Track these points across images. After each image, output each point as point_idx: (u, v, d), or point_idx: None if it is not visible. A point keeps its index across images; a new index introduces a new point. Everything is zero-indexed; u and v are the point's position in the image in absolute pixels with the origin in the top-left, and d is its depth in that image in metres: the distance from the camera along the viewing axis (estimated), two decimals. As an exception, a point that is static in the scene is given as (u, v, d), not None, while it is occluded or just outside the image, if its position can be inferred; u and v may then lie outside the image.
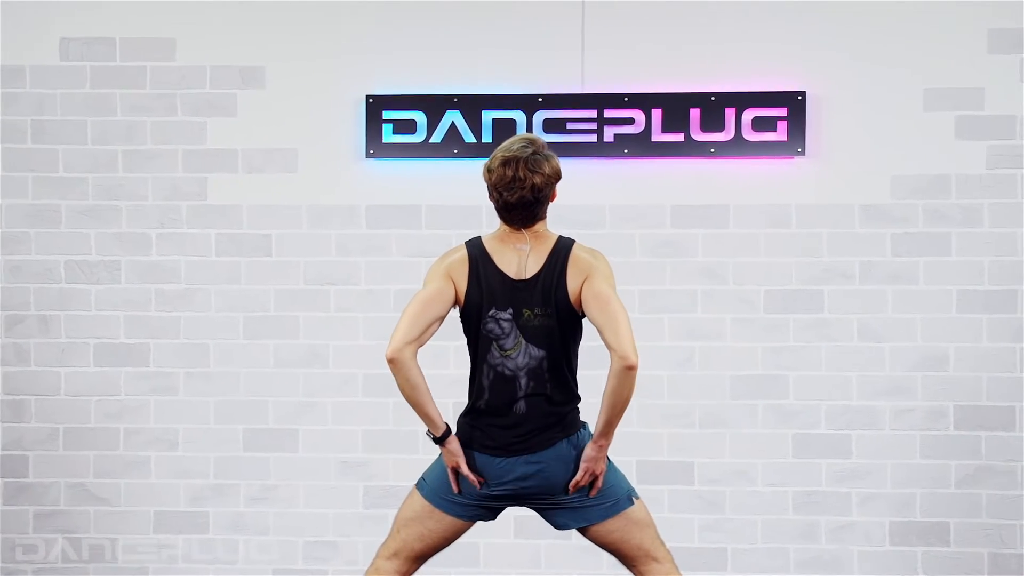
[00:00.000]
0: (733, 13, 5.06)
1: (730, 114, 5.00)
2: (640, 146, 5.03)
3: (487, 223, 4.95)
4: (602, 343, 3.22)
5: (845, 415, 5.04)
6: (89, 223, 5.19)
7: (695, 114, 5.01)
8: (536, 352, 3.31)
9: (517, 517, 4.86)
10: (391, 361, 3.23)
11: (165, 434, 5.18)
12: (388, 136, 5.07)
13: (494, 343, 3.32)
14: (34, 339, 5.19)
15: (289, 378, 5.16)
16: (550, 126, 5.03)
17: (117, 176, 5.18)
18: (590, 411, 3.38)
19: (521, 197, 3.28)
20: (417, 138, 5.08)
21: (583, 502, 3.37)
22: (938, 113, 5.01)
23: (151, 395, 5.18)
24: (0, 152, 5.19)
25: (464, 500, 3.39)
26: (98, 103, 5.17)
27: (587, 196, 5.05)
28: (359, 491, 5.15)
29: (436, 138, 5.07)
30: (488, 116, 5.05)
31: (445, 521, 3.41)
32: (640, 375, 3.25)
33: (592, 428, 3.34)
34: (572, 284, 3.29)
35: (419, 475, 3.51)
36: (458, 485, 3.37)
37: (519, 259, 3.34)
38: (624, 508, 3.39)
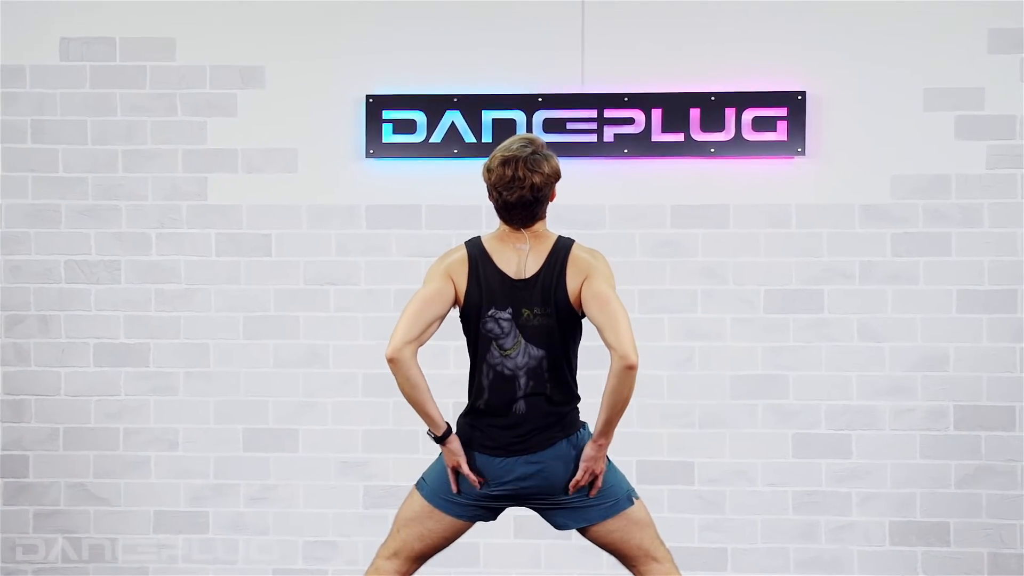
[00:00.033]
0: (733, 13, 5.06)
1: (730, 114, 5.00)
2: (640, 146, 5.03)
3: (487, 223, 4.95)
4: (602, 343, 3.22)
5: (845, 415, 5.04)
6: (89, 223, 5.19)
7: (695, 114, 5.01)
8: (535, 352, 3.31)
9: (517, 517, 4.86)
10: (391, 360, 3.23)
11: (165, 434, 5.18)
12: (388, 136, 5.07)
13: (494, 343, 3.32)
14: (34, 339, 5.19)
15: (289, 378, 5.16)
16: (550, 126, 5.03)
17: (117, 176, 5.18)
18: (590, 411, 3.38)
19: (520, 197, 3.28)
20: (417, 138, 5.08)
21: (583, 502, 3.37)
22: (938, 113, 5.01)
23: (151, 395, 5.18)
24: (0, 152, 5.20)
25: (464, 500, 3.38)
26: (98, 103, 5.17)
27: (587, 196, 5.05)
28: (359, 491, 5.15)
29: (436, 138, 5.07)
30: (488, 116, 5.05)
31: (445, 521, 3.41)
32: (640, 375, 3.25)
33: (592, 428, 3.34)
34: (571, 284, 3.29)
35: (419, 475, 3.51)
36: (458, 485, 3.37)
37: (519, 259, 3.34)
38: (624, 508, 3.38)
